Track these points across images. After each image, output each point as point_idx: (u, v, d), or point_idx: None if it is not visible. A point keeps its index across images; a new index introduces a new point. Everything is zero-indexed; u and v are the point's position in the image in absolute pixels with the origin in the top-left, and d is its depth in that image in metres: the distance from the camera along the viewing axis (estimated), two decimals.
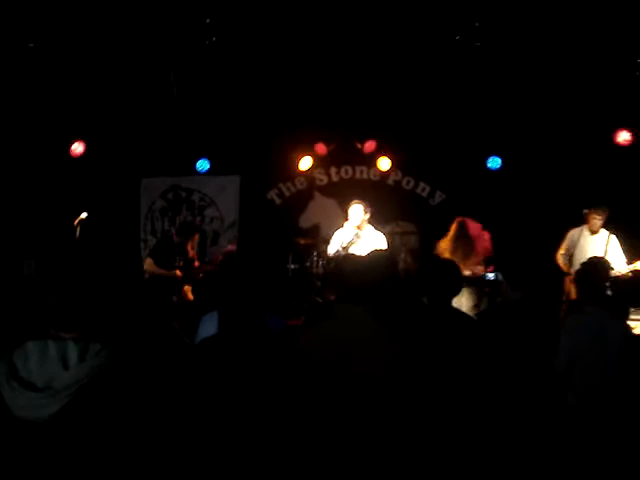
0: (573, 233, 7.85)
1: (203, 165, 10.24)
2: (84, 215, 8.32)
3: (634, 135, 8.85)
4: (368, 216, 7.60)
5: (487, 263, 7.47)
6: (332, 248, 7.78)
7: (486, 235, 7.60)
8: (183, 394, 2.57)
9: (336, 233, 7.85)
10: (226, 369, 2.77)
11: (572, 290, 7.51)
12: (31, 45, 8.28)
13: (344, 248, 7.52)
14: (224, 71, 9.01)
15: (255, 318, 3.07)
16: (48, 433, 2.47)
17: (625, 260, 7.42)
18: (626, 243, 7.62)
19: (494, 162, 9.44)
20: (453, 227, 7.56)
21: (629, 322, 6.16)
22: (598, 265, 5.41)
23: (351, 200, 7.99)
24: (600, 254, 7.22)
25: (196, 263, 8.46)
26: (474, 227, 7.54)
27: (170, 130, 10.03)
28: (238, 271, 3.91)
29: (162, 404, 2.52)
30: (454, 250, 7.35)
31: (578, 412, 3.58)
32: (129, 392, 2.49)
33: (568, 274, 7.65)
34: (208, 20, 7.94)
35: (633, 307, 6.94)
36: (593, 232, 7.68)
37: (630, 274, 7.23)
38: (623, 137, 8.92)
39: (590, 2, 7.40)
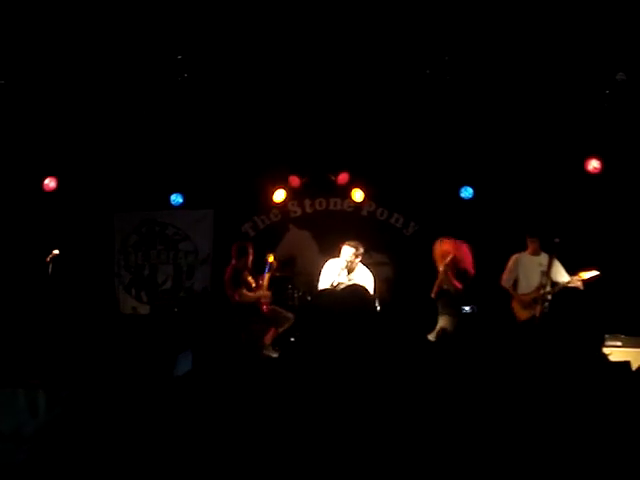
0: (516, 258, 8.15)
1: (177, 199, 10.21)
2: (56, 251, 8.27)
3: (603, 163, 8.97)
4: (360, 259, 7.54)
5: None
6: (323, 285, 7.72)
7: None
8: (155, 442, 2.54)
9: (325, 267, 7.75)
10: (201, 410, 2.75)
11: (518, 310, 7.93)
12: (2, 82, 8.27)
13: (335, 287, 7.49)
14: (196, 106, 9.04)
15: (230, 354, 3.06)
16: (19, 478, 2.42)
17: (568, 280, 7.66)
18: (597, 269, 7.70)
19: (466, 192, 9.52)
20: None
21: (604, 349, 6.21)
22: (572, 294, 5.45)
23: (327, 232, 8.04)
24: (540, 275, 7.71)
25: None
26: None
27: (143, 164, 10.02)
28: (212, 308, 3.89)
29: (131, 449, 2.49)
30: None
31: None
32: (97, 439, 2.46)
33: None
34: (180, 57, 7.99)
35: (608, 334, 7.02)
36: (534, 255, 7.99)
37: (579, 283, 7.42)
38: (593, 165, 9.02)
39: (559, 34, 7.53)
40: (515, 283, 8.11)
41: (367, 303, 4.52)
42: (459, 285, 7.38)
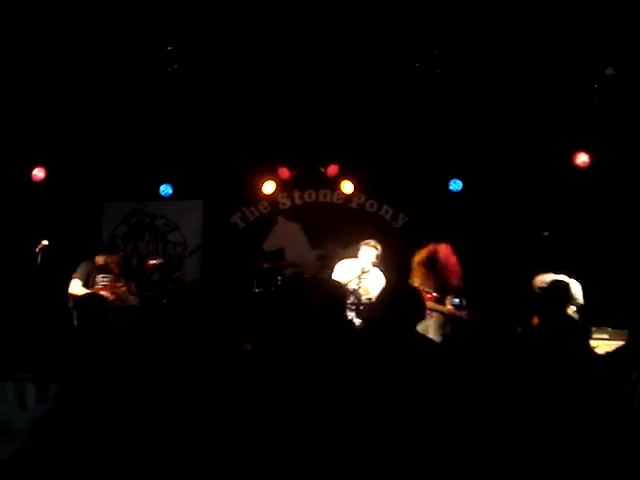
0: None
1: (166, 190, 10.19)
2: (45, 242, 8.23)
3: (592, 157, 9.01)
4: (378, 260, 7.26)
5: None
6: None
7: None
8: (148, 436, 2.55)
9: (338, 269, 7.45)
10: (180, 405, 2.77)
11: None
12: None
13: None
14: (186, 97, 9.01)
15: (209, 348, 3.07)
16: (7, 474, 2.42)
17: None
18: (586, 263, 7.73)
19: (456, 184, 9.53)
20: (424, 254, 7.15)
21: (591, 342, 6.26)
22: (557, 289, 5.50)
23: (316, 224, 7.98)
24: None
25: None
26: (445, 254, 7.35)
27: (133, 155, 9.99)
28: (192, 302, 3.90)
29: (121, 443, 2.49)
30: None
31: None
32: (87, 433, 2.46)
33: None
34: (170, 47, 7.97)
35: (595, 326, 7.05)
36: None
37: None
38: (581, 159, 9.05)
39: (548, 28, 7.55)
40: None
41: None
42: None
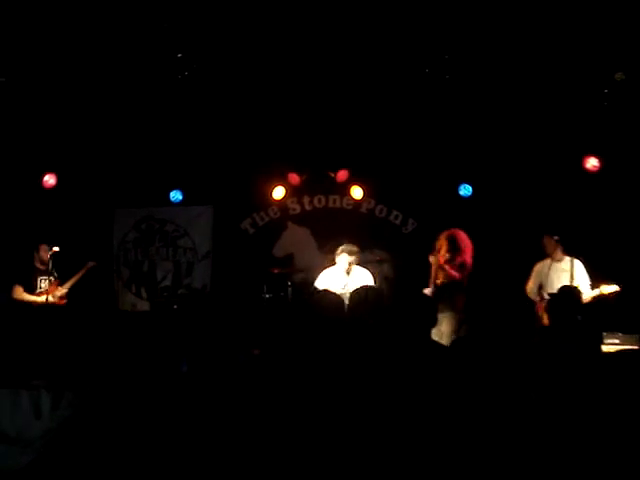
0: (540, 266, 7.85)
1: (176, 196, 10.21)
2: (56, 248, 8.28)
3: (602, 161, 9.00)
4: (356, 260, 7.75)
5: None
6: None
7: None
8: (161, 442, 2.55)
9: (322, 274, 7.90)
10: (195, 413, 2.77)
11: (544, 317, 7.61)
12: (2, 79, 8.26)
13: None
14: (196, 103, 9.04)
15: (220, 353, 3.08)
16: None
17: (590, 284, 7.46)
18: (595, 268, 7.71)
19: (465, 189, 9.53)
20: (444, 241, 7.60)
21: (603, 347, 6.25)
22: (569, 294, 5.50)
23: (326, 230, 8.01)
24: (567, 282, 7.30)
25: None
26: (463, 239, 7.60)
27: (143, 161, 10.02)
28: (204, 310, 3.93)
29: (136, 451, 2.50)
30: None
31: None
32: (102, 442, 2.47)
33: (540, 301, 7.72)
34: (180, 55, 8.01)
35: (606, 332, 7.04)
36: (557, 261, 7.68)
37: (592, 299, 7.25)
38: (591, 163, 9.04)
39: (558, 33, 7.55)
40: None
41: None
42: (457, 275, 7.39)
